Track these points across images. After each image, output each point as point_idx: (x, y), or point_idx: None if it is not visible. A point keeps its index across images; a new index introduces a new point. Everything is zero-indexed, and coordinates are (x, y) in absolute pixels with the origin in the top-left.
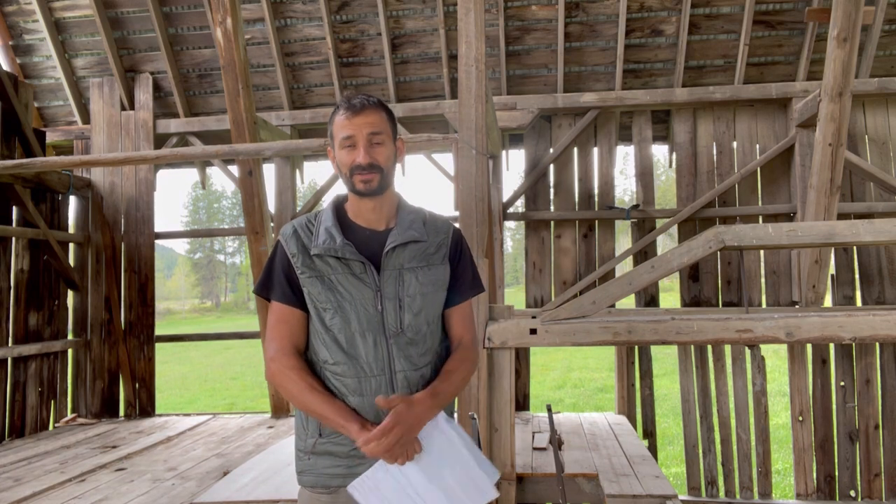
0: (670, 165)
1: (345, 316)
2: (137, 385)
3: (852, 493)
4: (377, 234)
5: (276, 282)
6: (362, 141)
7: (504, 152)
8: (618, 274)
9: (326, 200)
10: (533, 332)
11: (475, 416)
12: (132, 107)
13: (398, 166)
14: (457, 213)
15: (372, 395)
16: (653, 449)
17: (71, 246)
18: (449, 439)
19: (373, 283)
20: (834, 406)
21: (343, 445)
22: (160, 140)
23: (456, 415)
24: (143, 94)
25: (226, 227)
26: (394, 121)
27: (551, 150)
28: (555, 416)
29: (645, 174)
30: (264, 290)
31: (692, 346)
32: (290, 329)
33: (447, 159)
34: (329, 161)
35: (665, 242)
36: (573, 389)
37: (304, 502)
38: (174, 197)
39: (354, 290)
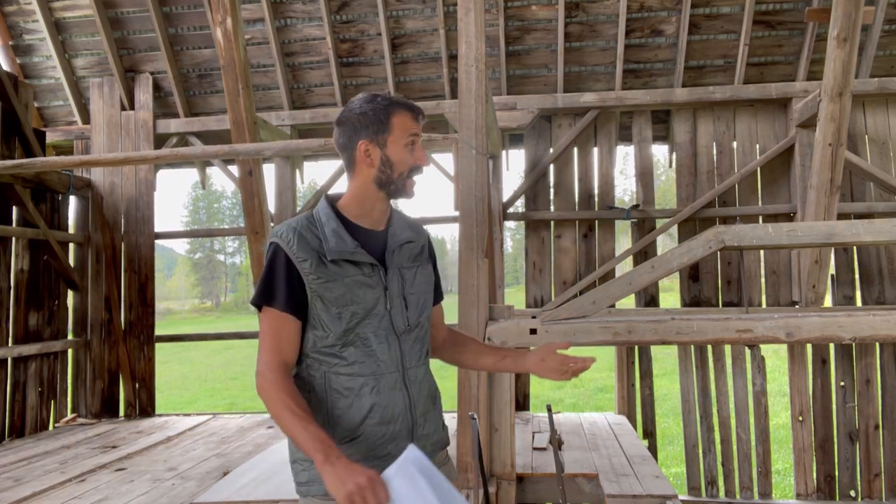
0: (670, 165)
1: (359, 317)
2: (137, 385)
3: (852, 493)
4: (377, 235)
5: (278, 288)
6: (419, 144)
7: (504, 152)
8: (618, 274)
9: None
10: (533, 332)
11: (475, 416)
12: (132, 107)
13: None
14: (457, 213)
15: (387, 392)
16: (653, 449)
17: (71, 246)
18: (415, 483)
19: (381, 283)
20: (834, 406)
21: (351, 455)
22: (160, 140)
23: (456, 416)
24: (143, 94)
25: (226, 227)
26: None
27: (551, 150)
28: (555, 416)
29: (645, 174)
30: (264, 299)
31: (692, 346)
32: (279, 342)
33: (447, 159)
34: (331, 160)
35: (665, 242)
36: (573, 389)
37: None
38: (174, 197)
39: (368, 291)
